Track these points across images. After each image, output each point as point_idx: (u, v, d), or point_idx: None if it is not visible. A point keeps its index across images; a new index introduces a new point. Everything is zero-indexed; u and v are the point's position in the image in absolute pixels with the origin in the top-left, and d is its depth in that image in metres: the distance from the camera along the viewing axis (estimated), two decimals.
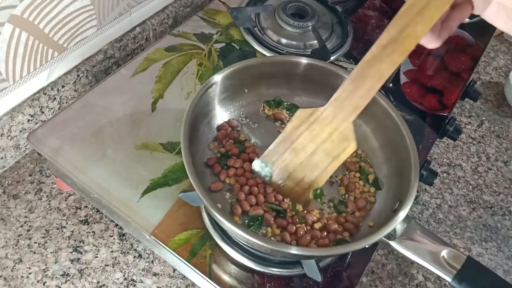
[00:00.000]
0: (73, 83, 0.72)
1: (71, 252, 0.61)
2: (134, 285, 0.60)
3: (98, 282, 0.59)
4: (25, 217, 0.64)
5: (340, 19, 0.86)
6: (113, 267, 0.61)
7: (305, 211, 0.55)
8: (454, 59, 0.84)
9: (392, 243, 0.49)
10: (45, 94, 0.68)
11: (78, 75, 0.72)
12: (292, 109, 0.65)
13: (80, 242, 0.62)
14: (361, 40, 0.85)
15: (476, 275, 0.45)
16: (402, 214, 0.49)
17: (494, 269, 0.72)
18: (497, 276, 0.47)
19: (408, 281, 0.68)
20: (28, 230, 0.62)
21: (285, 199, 0.55)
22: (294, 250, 0.46)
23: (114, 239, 0.63)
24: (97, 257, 0.61)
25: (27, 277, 0.59)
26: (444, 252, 0.47)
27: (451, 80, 0.81)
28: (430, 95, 0.78)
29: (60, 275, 0.59)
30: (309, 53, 0.78)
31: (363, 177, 0.60)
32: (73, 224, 0.64)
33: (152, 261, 0.62)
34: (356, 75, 0.46)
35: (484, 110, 0.98)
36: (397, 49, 0.42)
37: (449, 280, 0.46)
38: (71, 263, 0.60)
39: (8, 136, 0.65)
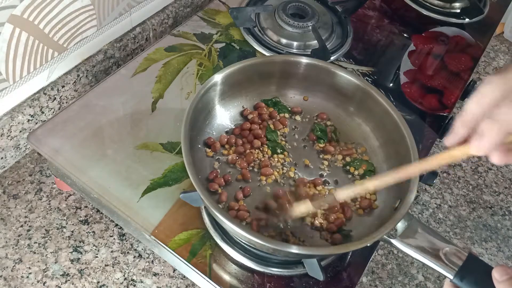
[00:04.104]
0: (73, 83, 0.72)
1: (71, 252, 0.61)
2: (134, 285, 0.60)
3: (98, 282, 0.59)
4: (25, 217, 0.63)
5: (340, 19, 0.86)
6: (113, 267, 0.61)
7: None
8: (454, 59, 0.84)
9: (393, 241, 0.49)
10: (45, 94, 0.68)
11: (78, 75, 0.72)
12: (282, 110, 0.65)
13: (80, 242, 0.62)
14: (361, 40, 0.85)
15: (478, 272, 0.45)
16: (403, 212, 0.49)
17: None
18: None
19: (408, 281, 0.68)
20: (28, 230, 0.62)
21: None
22: (295, 249, 0.46)
23: (114, 239, 0.63)
24: (97, 257, 0.61)
25: (27, 277, 0.59)
26: (445, 250, 0.47)
27: (451, 80, 0.81)
28: (430, 95, 0.78)
29: (60, 275, 0.59)
30: (309, 53, 0.78)
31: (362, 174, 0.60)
32: (73, 224, 0.64)
33: (152, 261, 0.62)
34: None
35: None
36: None
37: (451, 277, 0.46)
38: (71, 263, 0.60)
39: (8, 136, 0.65)
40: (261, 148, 0.61)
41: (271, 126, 0.63)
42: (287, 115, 0.65)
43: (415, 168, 0.46)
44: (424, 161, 0.44)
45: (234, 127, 0.62)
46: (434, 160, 0.43)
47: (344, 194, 0.50)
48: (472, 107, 0.37)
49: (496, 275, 0.42)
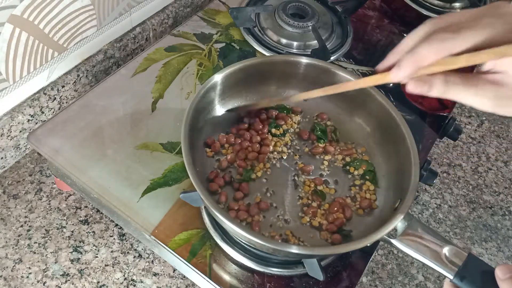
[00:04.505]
0: (73, 83, 0.72)
1: (71, 252, 0.61)
2: (134, 285, 0.60)
3: (98, 282, 0.59)
4: (25, 217, 0.63)
5: (340, 19, 0.86)
6: (113, 267, 0.61)
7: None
8: None
9: (393, 241, 0.48)
10: (45, 94, 0.68)
11: (78, 75, 0.72)
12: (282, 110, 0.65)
13: (80, 242, 0.62)
14: (361, 40, 0.85)
15: (478, 272, 0.45)
16: (403, 212, 0.49)
17: None
18: None
19: (408, 281, 0.68)
20: (28, 230, 0.62)
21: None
22: (295, 249, 0.46)
23: (114, 239, 0.63)
24: (97, 257, 0.61)
25: (27, 277, 0.59)
26: (445, 250, 0.47)
27: None
28: None
29: (60, 275, 0.59)
30: (309, 53, 0.78)
31: (362, 174, 0.60)
32: (73, 224, 0.64)
33: (152, 261, 0.62)
34: None
35: None
36: None
37: (451, 277, 0.46)
38: (71, 263, 0.60)
39: (8, 136, 0.65)
40: (261, 143, 0.61)
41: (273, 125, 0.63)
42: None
43: (350, 85, 0.52)
44: (357, 80, 0.50)
45: (233, 127, 0.62)
46: (363, 81, 0.49)
47: (296, 98, 0.59)
48: (405, 41, 0.41)
49: (499, 273, 0.42)
